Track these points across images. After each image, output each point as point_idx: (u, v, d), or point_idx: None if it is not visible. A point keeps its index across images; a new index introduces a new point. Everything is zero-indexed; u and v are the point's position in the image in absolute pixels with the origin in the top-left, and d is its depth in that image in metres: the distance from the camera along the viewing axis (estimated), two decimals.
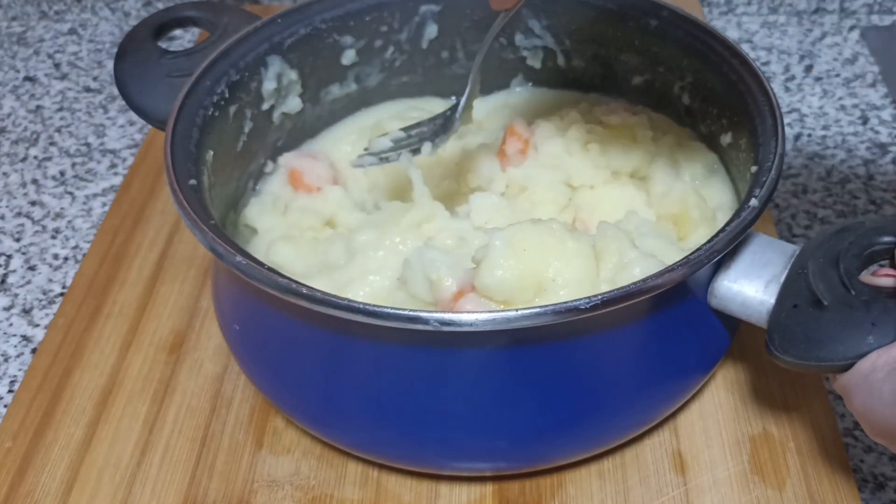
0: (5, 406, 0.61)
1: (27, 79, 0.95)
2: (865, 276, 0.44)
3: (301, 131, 0.67)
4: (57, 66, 0.97)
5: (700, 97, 0.61)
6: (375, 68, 0.68)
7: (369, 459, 0.55)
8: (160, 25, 0.60)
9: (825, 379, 0.59)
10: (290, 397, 0.52)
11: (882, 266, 0.45)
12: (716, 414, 0.57)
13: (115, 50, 0.98)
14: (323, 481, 0.55)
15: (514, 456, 0.51)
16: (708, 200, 0.58)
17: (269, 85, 0.61)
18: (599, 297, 0.41)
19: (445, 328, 0.41)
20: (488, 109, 0.70)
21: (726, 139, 0.59)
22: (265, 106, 0.62)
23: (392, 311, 0.42)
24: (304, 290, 0.43)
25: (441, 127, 0.60)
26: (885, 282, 0.43)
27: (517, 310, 0.42)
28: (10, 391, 0.63)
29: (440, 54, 0.69)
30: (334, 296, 0.43)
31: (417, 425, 0.48)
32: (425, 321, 0.41)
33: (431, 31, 0.67)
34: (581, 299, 0.41)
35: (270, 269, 0.44)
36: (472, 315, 0.41)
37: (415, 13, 0.66)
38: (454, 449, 0.50)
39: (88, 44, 1.00)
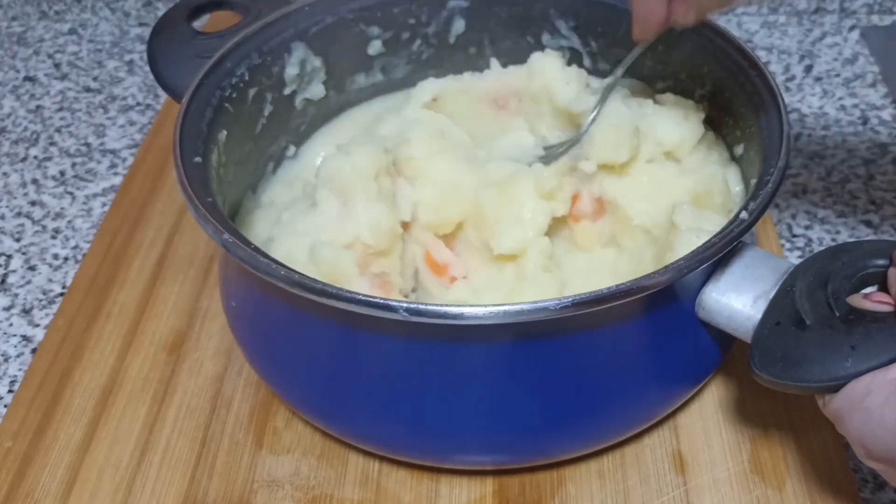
0: (5, 406, 0.61)
1: (27, 79, 0.95)
2: (855, 298, 0.43)
3: (325, 118, 0.68)
4: (57, 66, 0.97)
5: (718, 106, 0.61)
6: (402, 60, 0.68)
7: (369, 458, 0.55)
8: (196, 7, 0.62)
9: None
10: (283, 380, 0.52)
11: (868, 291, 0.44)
12: (716, 414, 0.57)
13: (115, 50, 0.98)
14: (323, 481, 0.55)
15: (514, 449, 0.51)
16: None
17: (291, 70, 0.62)
18: (570, 299, 0.42)
19: (414, 318, 0.42)
20: None
21: (739, 150, 0.59)
22: (287, 91, 0.63)
23: (363, 297, 0.42)
24: (283, 272, 0.43)
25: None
26: (877, 307, 0.42)
27: (487, 307, 0.42)
28: (10, 391, 0.63)
29: (468, 50, 0.69)
30: (308, 277, 0.43)
31: (417, 418, 0.49)
32: (394, 309, 0.42)
33: (459, 26, 0.67)
34: (550, 300, 0.42)
35: (256, 249, 0.45)
36: (442, 307, 0.42)
37: (443, 7, 0.66)
38: (455, 441, 0.50)
39: (88, 44, 1.00)
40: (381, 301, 0.42)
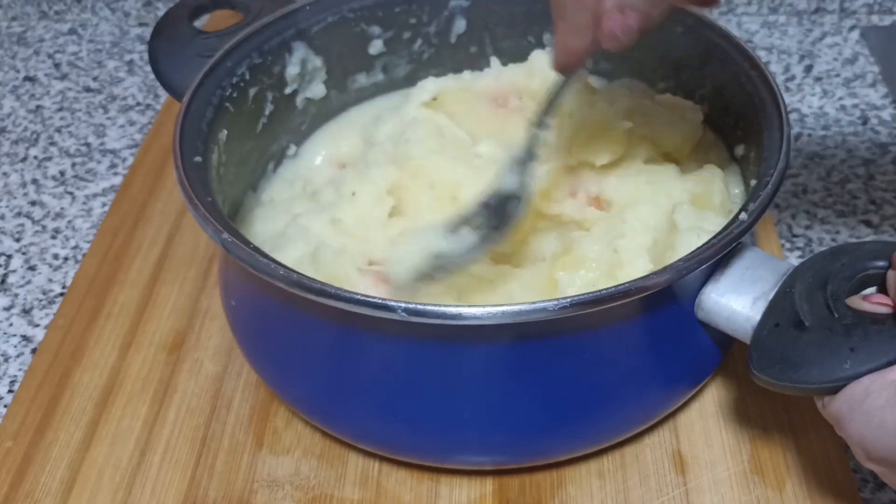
0: (5, 406, 0.61)
1: (27, 79, 0.95)
2: (854, 300, 0.43)
3: (326, 117, 0.68)
4: (57, 66, 0.97)
5: (718, 107, 0.61)
6: (403, 59, 0.68)
7: (369, 458, 0.55)
8: (197, 7, 0.62)
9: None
10: (283, 379, 0.52)
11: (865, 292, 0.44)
12: (716, 414, 0.57)
13: (115, 50, 0.98)
14: (323, 481, 0.55)
15: (513, 449, 0.51)
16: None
17: (292, 70, 0.62)
18: (568, 300, 0.42)
19: (412, 318, 0.42)
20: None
21: (740, 150, 0.59)
22: (288, 90, 0.63)
23: (361, 297, 0.42)
24: (281, 272, 0.43)
25: (493, 220, 0.52)
26: (876, 308, 0.42)
27: (486, 307, 0.42)
28: (10, 391, 0.63)
29: (469, 49, 0.69)
30: (307, 277, 0.43)
31: (416, 418, 0.49)
32: (392, 309, 0.42)
33: (460, 25, 0.68)
34: (549, 301, 0.42)
35: (255, 249, 0.45)
36: (440, 307, 0.42)
37: (444, 7, 0.66)
38: (455, 442, 0.50)
39: (88, 44, 1.00)
40: (380, 301, 0.42)
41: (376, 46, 0.66)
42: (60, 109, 0.90)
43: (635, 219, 0.55)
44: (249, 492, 0.54)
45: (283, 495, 0.54)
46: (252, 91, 0.59)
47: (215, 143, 0.55)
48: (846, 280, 0.44)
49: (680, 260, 0.44)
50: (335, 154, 0.67)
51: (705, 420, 0.57)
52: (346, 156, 0.67)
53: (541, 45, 0.68)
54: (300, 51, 0.62)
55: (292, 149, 0.66)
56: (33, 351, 0.65)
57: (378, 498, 0.54)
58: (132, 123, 0.88)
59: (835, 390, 0.41)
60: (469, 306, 0.42)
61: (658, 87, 0.66)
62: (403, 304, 0.42)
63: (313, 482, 0.54)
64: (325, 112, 0.67)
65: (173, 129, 0.52)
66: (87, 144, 0.85)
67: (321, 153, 0.67)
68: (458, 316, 0.42)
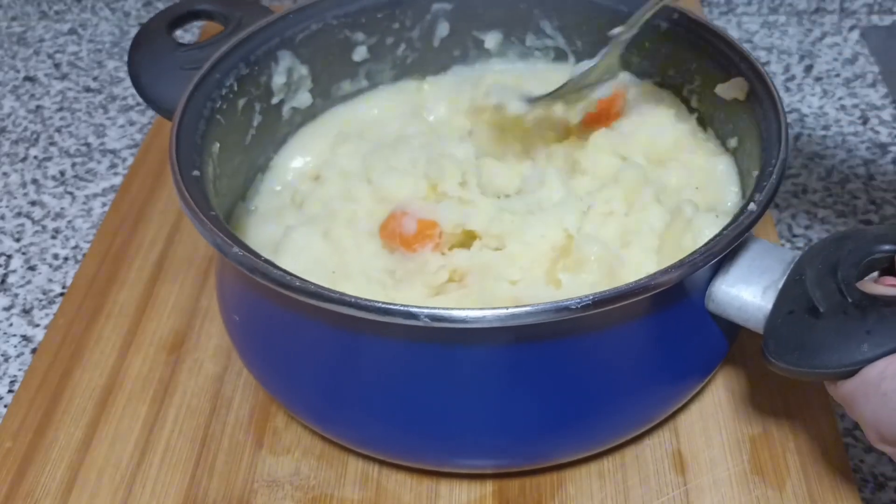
0: (5, 406, 0.61)
1: (27, 79, 0.95)
2: (866, 284, 0.44)
3: (307, 124, 0.67)
4: (57, 66, 0.97)
5: (708, 101, 0.61)
6: (387, 65, 0.68)
7: (369, 458, 0.55)
8: (175, 18, 0.62)
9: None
10: (289, 390, 0.52)
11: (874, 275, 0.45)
12: (716, 414, 0.57)
13: (115, 50, 0.98)
14: (323, 481, 0.55)
15: (514, 452, 0.51)
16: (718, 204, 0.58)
17: (278, 79, 0.62)
18: (591, 297, 0.42)
19: (436, 324, 0.42)
20: None
21: (733, 143, 0.59)
22: (275, 100, 0.63)
23: (381, 304, 0.42)
24: (298, 283, 0.43)
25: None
26: (890, 291, 0.43)
27: (507, 308, 0.42)
28: (10, 391, 0.63)
29: (452, 53, 0.69)
30: (326, 288, 0.43)
31: (418, 422, 0.48)
32: (416, 316, 0.41)
33: (443, 29, 0.67)
34: (571, 299, 0.42)
35: (266, 261, 0.45)
36: (464, 312, 0.42)
37: (426, 11, 0.66)
38: (455, 445, 0.50)
39: (88, 44, 1.00)
40: (402, 308, 0.42)
41: (360, 53, 0.66)
42: (60, 109, 0.90)
43: (631, 212, 0.56)
44: (249, 492, 0.54)
45: (283, 495, 0.54)
46: (241, 102, 0.59)
47: (209, 157, 0.54)
48: (855, 265, 0.44)
49: (695, 253, 0.44)
50: (322, 156, 0.66)
51: (705, 420, 0.57)
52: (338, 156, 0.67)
53: (524, 47, 0.69)
54: (286, 60, 0.62)
55: (276, 157, 0.65)
56: (33, 351, 0.65)
57: (378, 498, 0.54)
58: (132, 123, 0.88)
59: (851, 374, 0.42)
60: (492, 309, 0.42)
61: (646, 83, 0.66)
62: (426, 311, 0.41)
63: (313, 482, 0.54)
64: (309, 121, 0.67)
65: (168, 142, 0.51)
66: (87, 144, 0.85)
67: (304, 158, 0.66)
68: (482, 319, 0.42)
